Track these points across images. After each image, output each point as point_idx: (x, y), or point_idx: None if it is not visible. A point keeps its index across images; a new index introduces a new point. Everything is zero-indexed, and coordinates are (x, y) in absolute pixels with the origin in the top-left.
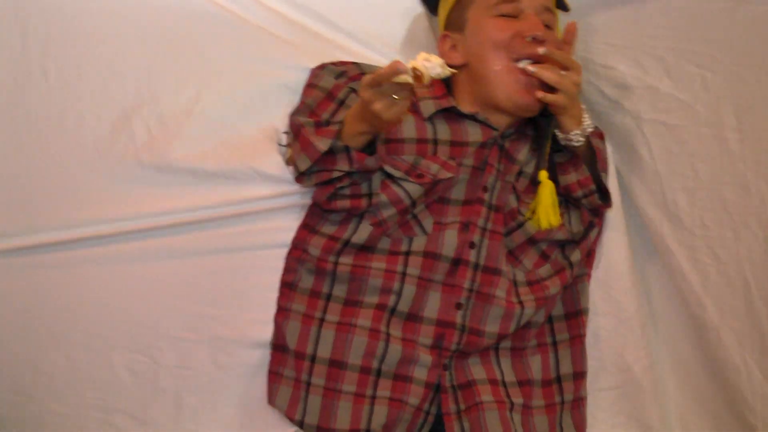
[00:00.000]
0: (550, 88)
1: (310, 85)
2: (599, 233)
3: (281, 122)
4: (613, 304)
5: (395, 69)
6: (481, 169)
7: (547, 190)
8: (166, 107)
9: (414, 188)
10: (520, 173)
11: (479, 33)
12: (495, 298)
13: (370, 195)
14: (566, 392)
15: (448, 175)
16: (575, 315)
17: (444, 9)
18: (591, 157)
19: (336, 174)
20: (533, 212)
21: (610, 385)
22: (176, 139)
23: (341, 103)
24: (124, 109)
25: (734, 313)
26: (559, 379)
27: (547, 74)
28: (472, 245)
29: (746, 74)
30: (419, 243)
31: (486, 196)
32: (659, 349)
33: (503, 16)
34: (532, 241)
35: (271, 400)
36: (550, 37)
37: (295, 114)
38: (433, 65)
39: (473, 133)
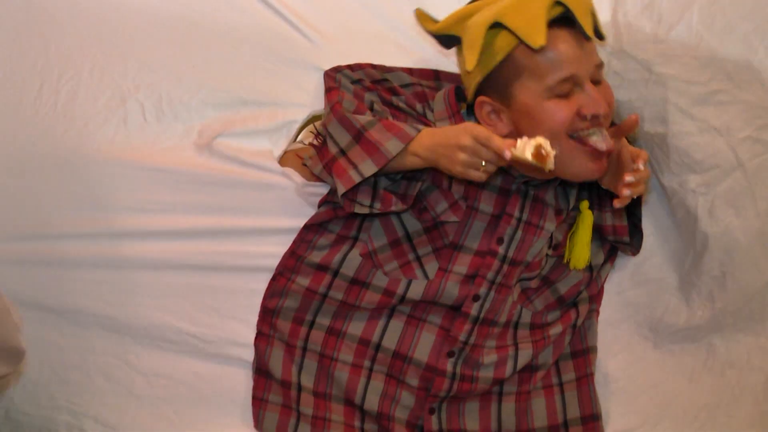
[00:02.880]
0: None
1: (332, 89)
2: (609, 271)
3: (285, 122)
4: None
5: (517, 152)
6: (499, 218)
7: (588, 223)
8: (164, 94)
9: (412, 223)
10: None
11: (534, 117)
12: (487, 348)
13: (365, 216)
14: None
15: (453, 218)
16: (582, 353)
17: (477, 71)
18: (635, 202)
19: (357, 209)
20: (568, 248)
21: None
22: (169, 129)
23: (371, 107)
24: (120, 89)
25: None
26: (566, 425)
27: (640, 188)
28: (476, 298)
29: None
30: (417, 288)
31: (501, 249)
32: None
33: (559, 96)
34: (547, 282)
35: (258, 425)
36: (606, 98)
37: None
38: (550, 153)
39: (491, 176)
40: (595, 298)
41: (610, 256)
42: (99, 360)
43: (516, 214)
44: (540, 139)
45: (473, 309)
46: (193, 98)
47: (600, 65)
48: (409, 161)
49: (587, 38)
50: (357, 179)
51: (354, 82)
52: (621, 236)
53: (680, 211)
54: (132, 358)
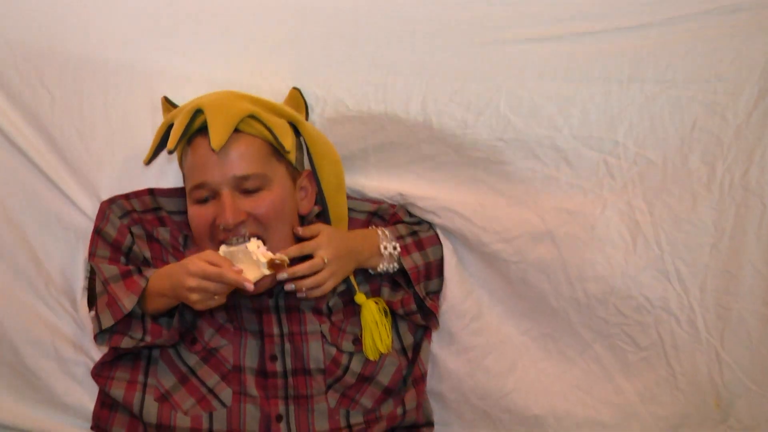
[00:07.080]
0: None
1: (96, 230)
2: (428, 349)
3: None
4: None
5: (245, 280)
6: (265, 336)
7: (368, 314)
8: None
9: (190, 356)
10: (330, 312)
11: (188, 220)
12: None
13: (149, 358)
14: None
15: (223, 342)
16: (419, 427)
17: None
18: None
19: (127, 343)
20: (360, 343)
21: None
22: None
23: (129, 251)
24: None
25: (655, 399)
26: None
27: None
28: (279, 418)
29: (654, 156)
30: (220, 418)
31: (278, 366)
32: None
33: (200, 202)
34: (364, 378)
35: None
36: (257, 208)
37: (93, 258)
38: (283, 257)
39: (242, 298)
40: (420, 380)
41: (425, 334)
42: None
43: (275, 331)
44: (254, 248)
45: (282, 428)
46: None
47: (245, 178)
48: (163, 302)
49: (213, 149)
50: (108, 323)
51: (123, 215)
52: (409, 305)
53: (500, 277)
54: None
